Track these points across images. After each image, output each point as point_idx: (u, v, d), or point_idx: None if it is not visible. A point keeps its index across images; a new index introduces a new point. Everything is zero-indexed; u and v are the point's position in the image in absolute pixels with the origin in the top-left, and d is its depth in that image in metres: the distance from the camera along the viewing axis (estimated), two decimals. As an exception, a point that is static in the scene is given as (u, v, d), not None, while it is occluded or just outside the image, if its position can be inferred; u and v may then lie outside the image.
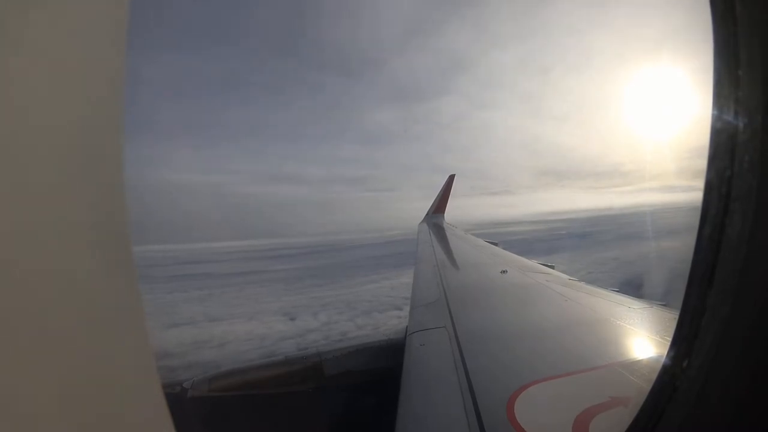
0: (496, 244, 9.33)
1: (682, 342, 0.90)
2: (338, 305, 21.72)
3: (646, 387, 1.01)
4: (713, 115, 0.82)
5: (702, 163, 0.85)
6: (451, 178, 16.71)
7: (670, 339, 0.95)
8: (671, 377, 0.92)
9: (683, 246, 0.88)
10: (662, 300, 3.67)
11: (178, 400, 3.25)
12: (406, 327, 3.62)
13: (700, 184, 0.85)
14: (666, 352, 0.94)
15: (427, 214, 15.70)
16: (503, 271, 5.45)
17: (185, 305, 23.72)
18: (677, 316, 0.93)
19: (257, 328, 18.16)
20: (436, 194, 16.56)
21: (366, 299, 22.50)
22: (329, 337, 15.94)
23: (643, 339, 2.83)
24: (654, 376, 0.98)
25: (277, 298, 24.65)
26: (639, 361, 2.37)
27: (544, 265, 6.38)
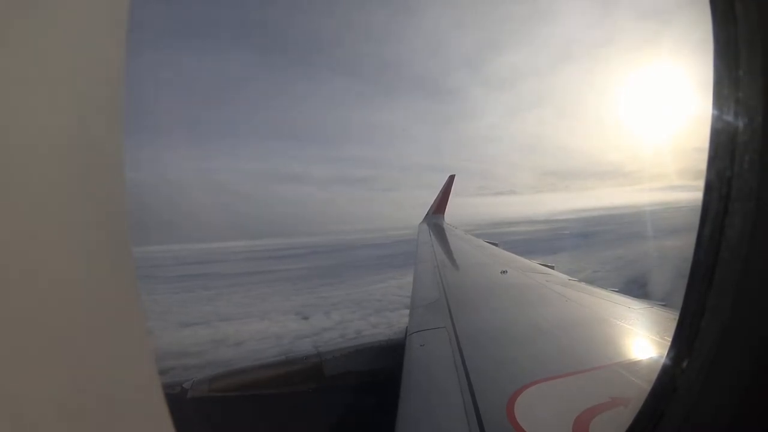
0: (496, 245, 9.33)
1: (682, 342, 0.90)
2: (349, 304, 21.76)
3: (647, 387, 1.00)
4: (713, 115, 0.82)
5: (702, 163, 0.85)
6: (451, 178, 16.68)
7: (670, 339, 0.95)
8: (671, 378, 0.92)
9: (686, 245, 0.88)
10: (666, 298, 3.65)
11: (178, 401, 3.25)
12: (406, 327, 3.62)
13: (701, 184, 0.85)
14: (666, 353, 0.94)
15: (427, 215, 15.69)
16: (503, 272, 5.44)
17: (195, 305, 23.74)
18: (677, 317, 0.93)
19: (271, 328, 18.17)
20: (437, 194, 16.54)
21: (376, 298, 22.49)
22: (345, 336, 15.95)
23: (643, 339, 2.82)
24: (654, 377, 0.98)
25: (287, 298, 24.64)
26: (639, 361, 2.37)
27: (544, 265, 6.37)
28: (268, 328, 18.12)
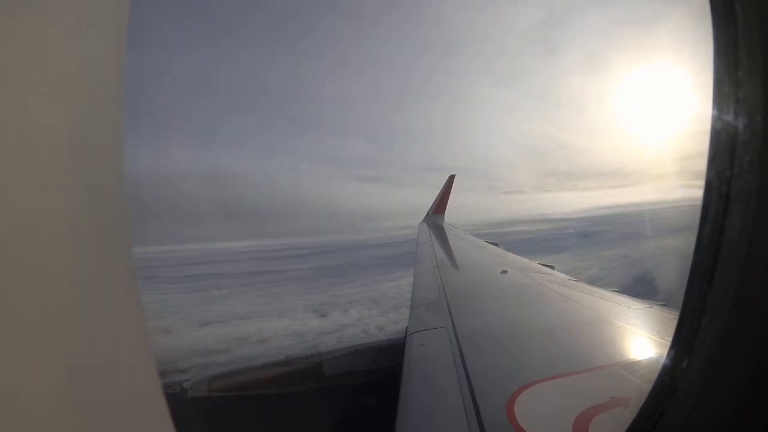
0: (496, 245, 9.33)
1: (682, 342, 0.90)
2: (364, 302, 21.86)
3: (647, 387, 1.00)
4: (713, 115, 0.82)
5: (702, 163, 0.85)
6: (451, 178, 16.67)
7: (670, 339, 0.95)
8: (671, 377, 0.92)
9: (689, 244, 0.89)
10: (672, 295, 3.63)
11: (178, 401, 3.25)
12: (406, 327, 3.61)
13: (701, 183, 0.85)
14: (666, 353, 0.94)
15: (427, 215, 15.70)
16: (503, 272, 5.44)
17: (209, 304, 23.77)
18: (677, 317, 0.93)
19: (291, 325, 18.26)
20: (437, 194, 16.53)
21: (390, 296, 22.47)
22: (367, 332, 16.00)
23: (643, 339, 2.82)
24: (654, 377, 0.98)
25: (300, 297, 24.67)
26: (639, 361, 2.37)
27: (544, 265, 6.37)
28: (288, 325, 18.21)
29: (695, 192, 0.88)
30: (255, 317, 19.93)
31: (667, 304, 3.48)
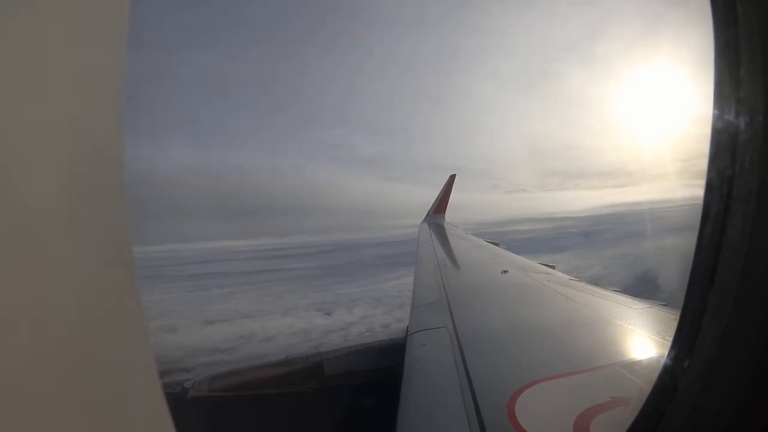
0: (497, 244, 9.32)
1: (683, 342, 0.90)
2: (368, 300, 21.99)
3: (647, 387, 1.00)
4: (714, 114, 0.82)
5: (703, 163, 0.85)
6: (452, 178, 16.65)
7: (670, 339, 0.95)
8: (672, 377, 0.92)
9: (690, 243, 0.88)
10: (673, 294, 3.63)
11: (179, 400, 3.25)
12: (407, 327, 3.61)
13: (702, 183, 0.85)
14: (667, 352, 0.94)
15: (427, 215, 15.69)
16: (504, 271, 5.44)
17: (213, 303, 23.84)
18: (678, 317, 0.93)
19: (296, 323, 18.35)
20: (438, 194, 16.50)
21: (393, 294, 22.45)
22: (372, 330, 15.99)
23: (643, 339, 2.82)
24: (655, 377, 0.98)
25: (303, 295, 24.74)
26: (640, 361, 2.37)
27: (545, 265, 6.37)
28: (293, 323, 18.30)
29: (696, 192, 0.88)
30: (259, 316, 19.99)
31: (667, 304, 3.48)
